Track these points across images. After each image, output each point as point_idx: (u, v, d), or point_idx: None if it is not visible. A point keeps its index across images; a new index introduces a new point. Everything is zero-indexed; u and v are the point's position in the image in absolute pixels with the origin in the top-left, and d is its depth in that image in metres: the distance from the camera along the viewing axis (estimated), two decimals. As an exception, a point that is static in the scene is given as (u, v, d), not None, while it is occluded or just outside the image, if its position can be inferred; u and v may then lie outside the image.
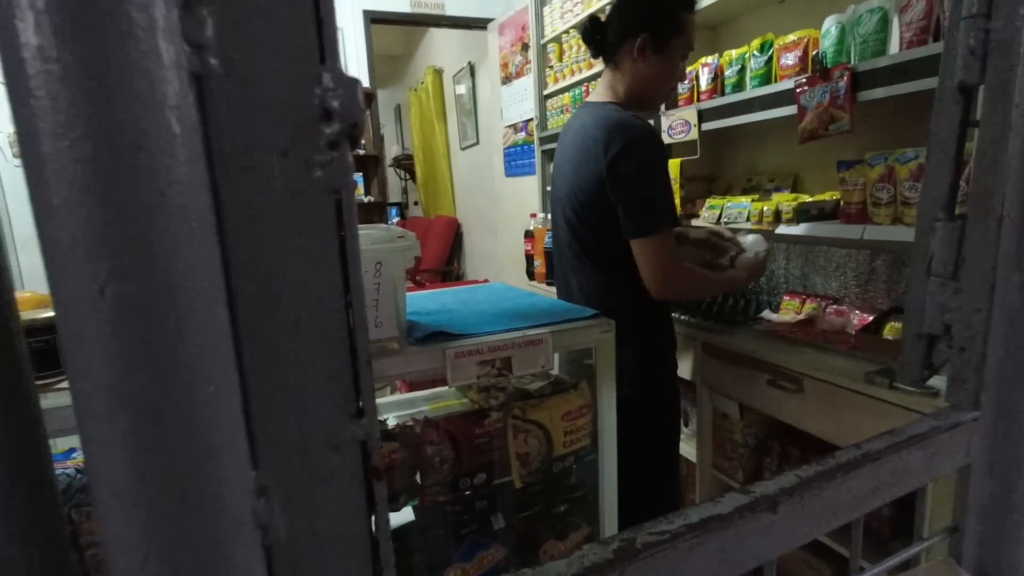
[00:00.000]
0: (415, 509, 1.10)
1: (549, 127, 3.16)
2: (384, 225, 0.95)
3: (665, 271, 1.10)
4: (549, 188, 1.51)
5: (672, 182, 1.22)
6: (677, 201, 1.77)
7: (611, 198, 1.08)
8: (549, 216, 2.99)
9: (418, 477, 0.98)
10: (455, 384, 0.90)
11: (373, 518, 0.18)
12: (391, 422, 1.09)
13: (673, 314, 1.52)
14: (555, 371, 1.22)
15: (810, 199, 1.68)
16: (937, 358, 0.37)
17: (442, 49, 5.01)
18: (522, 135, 3.58)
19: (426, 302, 1.23)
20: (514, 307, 1.20)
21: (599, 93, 1.26)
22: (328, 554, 0.18)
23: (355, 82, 0.16)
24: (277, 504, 0.17)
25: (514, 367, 0.97)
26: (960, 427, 0.35)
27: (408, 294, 1.23)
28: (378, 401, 1.36)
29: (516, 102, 3.62)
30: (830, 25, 1.56)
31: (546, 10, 3.05)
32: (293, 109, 0.16)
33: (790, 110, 1.59)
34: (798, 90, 1.58)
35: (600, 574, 0.23)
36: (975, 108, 0.36)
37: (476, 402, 1.18)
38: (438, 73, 5.07)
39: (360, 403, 0.18)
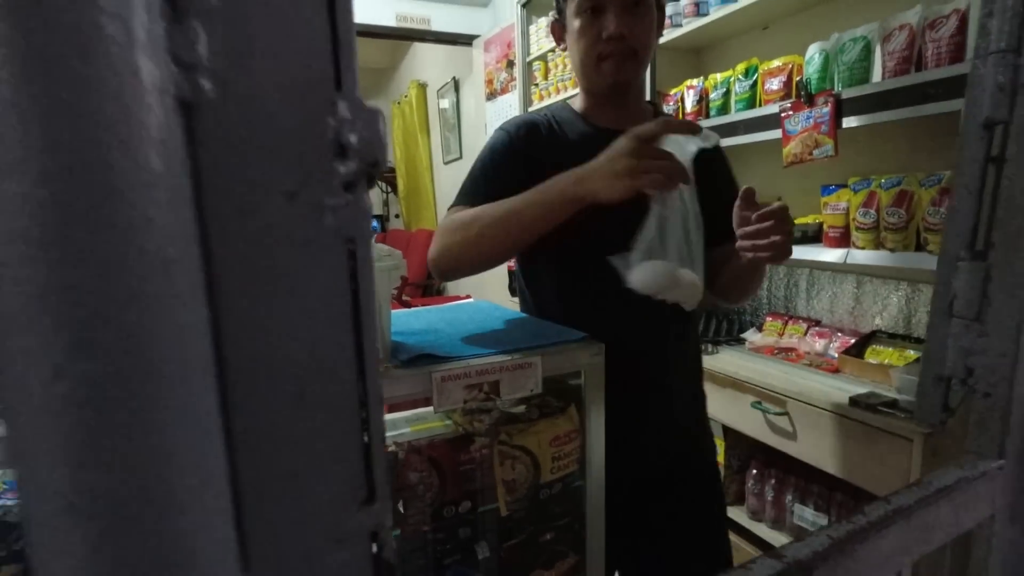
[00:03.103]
0: (396, 538, 1.05)
1: (534, 144, 3.15)
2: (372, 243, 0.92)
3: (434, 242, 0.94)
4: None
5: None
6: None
7: None
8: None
9: (400, 506, 0.94)
10: (441, 409, 0.87)
11: (384, 625, 0.15)
12: (372, 446, 1.05)
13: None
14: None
15: (794, 222, 1.69)
16: (953, 399, 0.36)
17: (427, 63, 5.01)
18: (506, 151, 3.58)
19: (411, 321, 1.19)
20: (501, 328, 1.17)
21: None
22: (329, 670, 0.15)
23: (377, 113, 0.14)
24: (269, 612, 0.14)
25: (502, 391, 0.94)
26: (985, 476, 0.34)
27: (393, 312, 1.20)
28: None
29: (501, 118, 3.62)
30: (814, 52, 1.59)
31: (532, 28, 3.07)
32: (302, 143, 0.13)
33: (774, 134, 1.61)
34: (783, 115, 1.60)
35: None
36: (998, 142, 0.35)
37: (460, 425, 1.15)
38: (422, 87, 5.06)
39: (371, 487, 0.15)
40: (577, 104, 1.02)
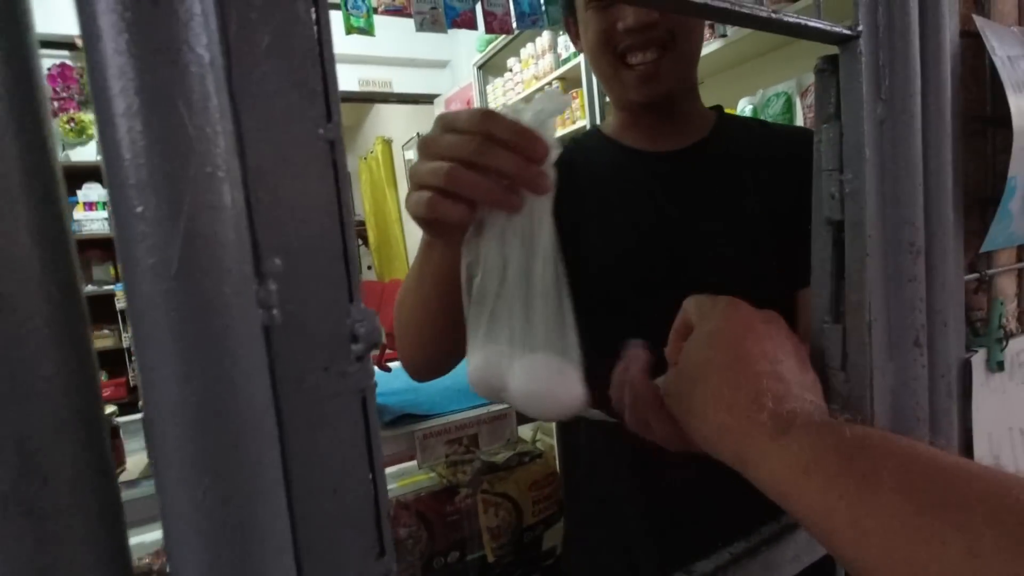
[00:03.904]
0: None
1: (498, 194, 3.28)
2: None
3: None
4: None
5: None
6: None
7: None
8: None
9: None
10: (425, 464, 0.93)
11: (395, 639, 0.23)
12: (361, 505, 1.10)
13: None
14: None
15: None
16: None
17: (390, 121, 5.17)
18: (473, 201, 3.70)
19: (391, 382, 1.26)
20: (477, 380, 1.25)
21: None
22: (361, 672, 0.23)
23: (373, 314, 0.22)
24: (321, 636, 0.22)
25: (481, 442, 1.02)
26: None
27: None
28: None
29: (465, 170, 3.76)
30: (744, 105, 1.76)
31: (489, 88, 3.25)
32: (332, 337, 0.22)
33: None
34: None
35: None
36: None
37: (444, 477, 1.21)
38: (387, 143, 5.21)
39: (382, 545, 0.23)
40: (609, 124, 0.77)
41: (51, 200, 0.19)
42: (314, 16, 0.21)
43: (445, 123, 0.40)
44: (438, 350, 0.61)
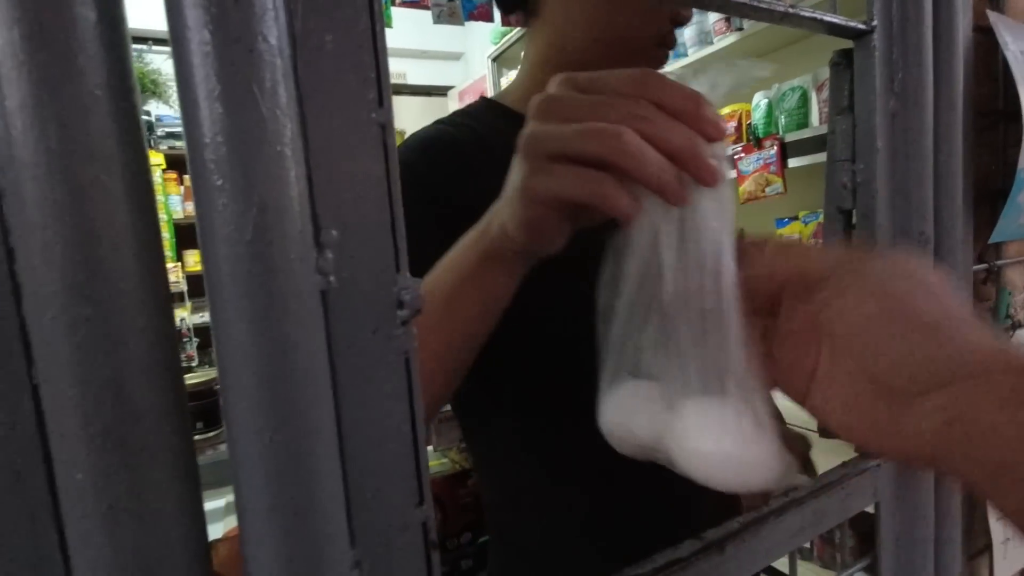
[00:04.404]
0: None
1: (511, 187, 3.30)
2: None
3: None
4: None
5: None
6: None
7: None
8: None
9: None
10: (440, 448, 0.96)
11: (430, 572, 0.26)
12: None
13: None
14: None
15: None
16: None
17: (404, 113, 5.19)
18: (485, 194, 3.73)
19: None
20: (490, 369, 1.27)
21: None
22: (403, 606, 0.25)
23: (418, 282, 0.25)
24: (367, 571, 0.25)
25: (495, 428, 1.05)
26: (866, 472, 0.45)
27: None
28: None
29: (478, 163, 3.78)
30: (759, 100, 1.76)
31: (503, 80, 3.26)
32: (379, 302, 0.24)
33: (730, 174, 1.76)
34: (735, 157, 1.76)
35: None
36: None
37: (457, 462, 1.23)
38: (401, 135, 5.22)
39: (422, 495, 0.26)
40: (515, 97, 0.66)
41: (141, 172, 0.21)
42: (369, 9, 0.24)
43: (583, 82, 0.30)
44: (446, 388, 0.45)
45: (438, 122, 0.67)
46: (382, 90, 0.24)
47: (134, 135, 0.21)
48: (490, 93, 3.40)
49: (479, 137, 0.63)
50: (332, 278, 0.23)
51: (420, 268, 0.38)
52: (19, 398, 0.20)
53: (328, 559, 0.23)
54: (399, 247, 0.25)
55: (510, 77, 3.20)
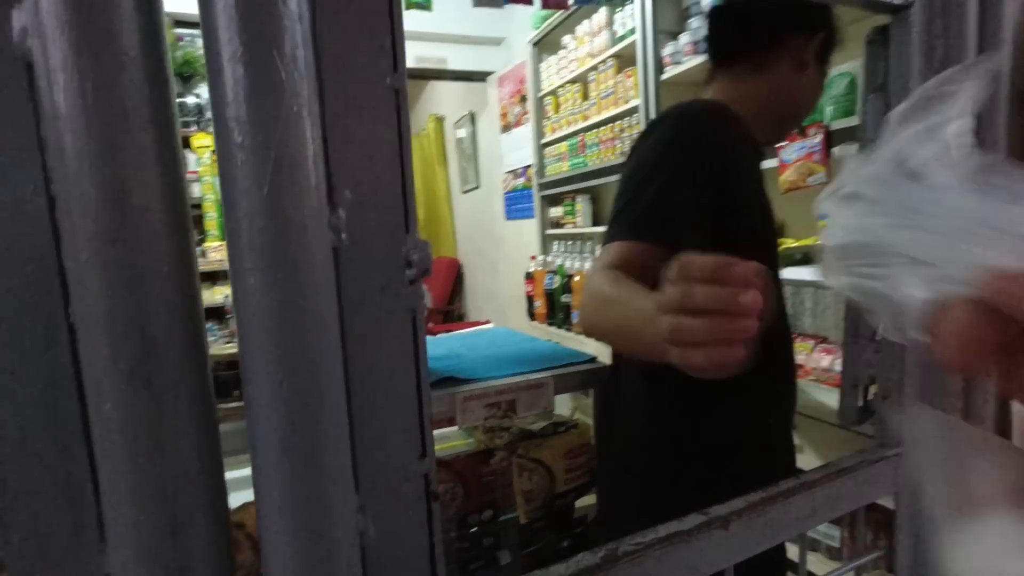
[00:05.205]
0: (425, 546, 1.15)
1: (547, 173, 3.30)
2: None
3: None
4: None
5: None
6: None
7: None
8: (549, 258, 3.10)
9: (429, 514, 1.05)
10: (464, 426, 0.98)
11: (430, 524, 0.27)
12: (403, 462, 1.16)
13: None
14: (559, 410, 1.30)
15: (795, 244, 1.78)
16: (863, 402, 0.46)
17: (444, 98, 5.21)
18: (522, 180, 3.73)
19: (435, 348, 1.32)
20: (517, 352, 1.28)
21: None
22: (402, 551, 0.26)
23: (427, 244, 0.26)
24: (371, 516, 0.26)
25: (518, 409, 1.06)
26: (884, 461, 0.44)
27: (418, 340, 1.32)
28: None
29: (515, 149, 3.78)
30: (805, 87, 1.70)
31: (543, 66, 3.24)
32: (388, 261, 0.25)
33: (772, 163, 1.71)
34: (778, 145, 1.71)
35: (591, 574, 0.32)
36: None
37: (482, 442, 1.25)
38: (439, 120, 5.26)
39: (424, 448, 0.27)
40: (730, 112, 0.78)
41: (169, 129, 0.23)
42: (385, -22, 0.24)
43: (702, 272, 0.37)
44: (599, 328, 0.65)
45: (695, 100, 0.83)
46: (396, 56, 0.25)
47: (164, 95, 0.23)
48: (530, 79, 3.38)
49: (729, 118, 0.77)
50: (344, 236, 0.24)
51: (673, 219, 0.65)
52: (57, 334, 0.22)
53: (334, 501, 0.25)
54: (409, 208, 0.26)
55: (550, 62, 3.18)
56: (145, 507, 0.22)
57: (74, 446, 0.22)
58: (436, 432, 1.50)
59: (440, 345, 1.36)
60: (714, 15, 0.90)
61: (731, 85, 0.83)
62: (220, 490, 0.24)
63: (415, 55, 4.00)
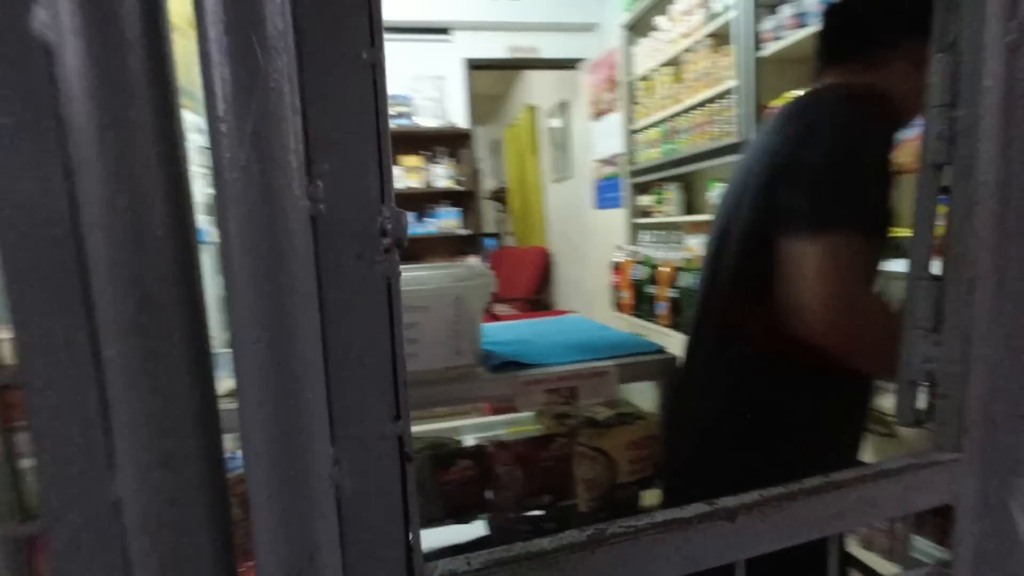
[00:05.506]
0: (490, 526, 1.18)
1: (637, 161, 3.21)
2: (470, 263, 1.07)
3: (834, 289, 0.65)
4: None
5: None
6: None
7: (776, 199, 0.73)
8: (636, 248, 3.03)
9: (493, 496, 1.08)
10: (524, 410, 0.99)
11: (404, 484, 0.28)
12: (470, 442, 1.20)
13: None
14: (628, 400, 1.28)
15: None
16: (921, 402, 0.41)
17: (537, 88, 5.22)
18: (611, 168, 3.66)
19: (504, 333, 1.34)
20: (586, 339, 1.27)
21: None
22: (376, 504, 0.28)
23: (402, 213, 0.27)
24: (346, 471, 0.27)
25: (580, 396, 1.05)
26: (938, 466, 0.39)
27: (487, 325, 1.35)
28: (459, 423, 1.48)
29: (606, 137, 3.71)
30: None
31: (635, 50, 3.14)
32: (365, 230, 0.27)
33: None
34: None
35: (574, 552, 0.31)
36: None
37: (549, 428, 1.26)
38: (532, 110, 5.28)
39: (399, 411, 0.28)
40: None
41: (168, 107, 0.25)
42: (361, -45, 0.25)
43: None
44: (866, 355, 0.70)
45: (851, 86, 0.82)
46: (373, 30, 0.26)
47: (164, 75, 0.25)
48: (621, 65, 3.30)
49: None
50: (322, 205, 0.26)
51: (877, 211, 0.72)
52: (74, 288, 0.25)
53: (311, 453, 0.27)
54: (385, 179, 0.27)
55: (642, 44, 3.08)
56: (142, 441, 0.25)
57: (88, 387, 0.25)
58: (506, 417, 1.53)
59: (509, 331, 1.38)
60: (831, 12, 0.88)
61: (843, 81, 0.82)
62: (213, 429, 0.27)
63: (507, 45, 4.04)
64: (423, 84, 3.88)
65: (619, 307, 3.13)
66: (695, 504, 0.35)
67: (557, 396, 1.04)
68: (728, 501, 0.35)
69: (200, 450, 0.26)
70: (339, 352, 0.27)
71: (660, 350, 1.11)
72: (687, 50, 2.58)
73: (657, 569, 0.33)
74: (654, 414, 1.17)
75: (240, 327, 0.25)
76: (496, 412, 1.71)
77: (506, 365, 1.05)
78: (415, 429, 1.22)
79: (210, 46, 0.24)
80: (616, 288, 3.15)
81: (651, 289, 2.73)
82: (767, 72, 2.03)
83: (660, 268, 2.64)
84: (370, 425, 0.28)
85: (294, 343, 0.26)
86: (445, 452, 1.06)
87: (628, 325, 2.80)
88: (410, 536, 0.29)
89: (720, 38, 2.33)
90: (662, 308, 2.62)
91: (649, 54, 3.03)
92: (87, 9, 0.23)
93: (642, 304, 2.83)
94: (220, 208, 0.25)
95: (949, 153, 0.39)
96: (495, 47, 3.99)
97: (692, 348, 0.99)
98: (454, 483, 1.04)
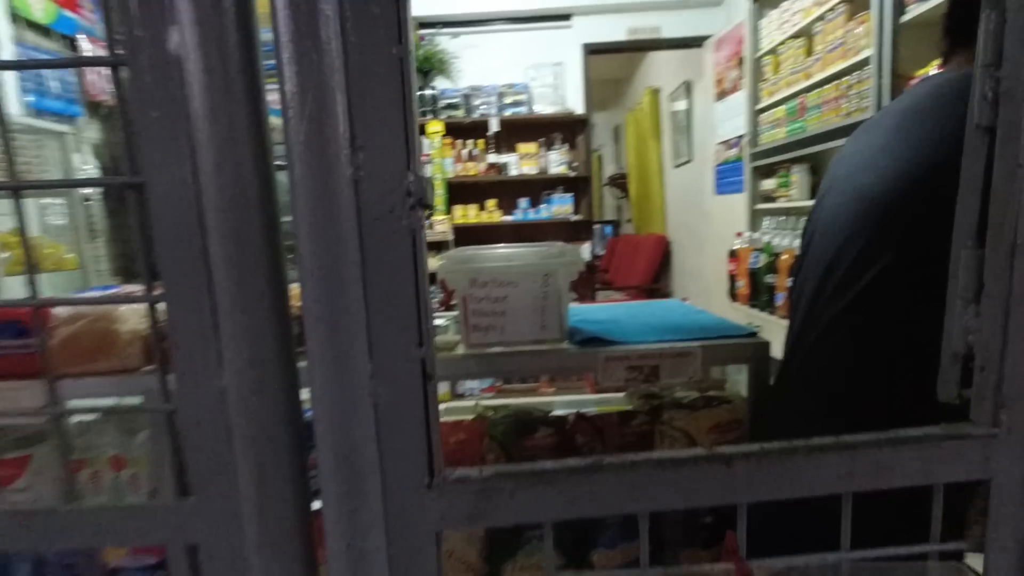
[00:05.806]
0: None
1: (761, 142, 3.03)
2: (556, 244, 1.12)
3: None
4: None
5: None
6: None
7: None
8: (756, 235, 2.87)
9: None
10: (604, 383, 1.03)
11: (426, 398, 0.35)
12: (558, 414, 1.26)
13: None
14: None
15: None
16: (963, 375, 0.40)
17: (660, 69, 5.06)
18: (734, 151, 3.48)
19: (597, 313, 1.37)
20: (679, 321, 1.27)
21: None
22: (404, 413, 0.35)
23: (427, 179, 0.33)
24: (380, 383, 0.35)
25: (661, 375, 1.06)
26: (969, 440, 0.38)
27: (581, 305, 1.39)
28: (556, 398, 1.54)
29: (729, 118, 3.53)
30: None
31: (763, 23, 2.95)
32: (393, 191, 0.34)
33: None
34: None
35: (573, 474, 0.36)
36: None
37: (638, 407, 1.28)
38: (655, 93, 5.13)
39: (421, 339, 0.35)
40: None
41: (257, 100, 0.34)
42: (393, -29, 0.32)
43: None
44: None
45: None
46: (401, 29, 0.33)
47: (254, 77, 0.34)
48: (747, 39, 3.12)
49: None
50: (362, 171, 0.33)
51: None
52: (196, 241, 0.35)
53: (354, 363, 0.34)
54: (411, 150, 0.33)
55: (771, 18, 2.88)
56: (237, 348, 0.34)
57: (205, 308, 0.35)
58: (601, 396, 1.56)
59: (603, 311, 1.41)
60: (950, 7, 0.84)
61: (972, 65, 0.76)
62: (288, 343, 0.35)
63: (627, 27, 3.97)
64: (541, 72, 3.95)
65: (734, 297, 3.00)
66: (694, 450, 0.38)
67: (638, 374, 1.06)
68: (726, 449, 0.38)
69: (278, 356, 0.35)
70: (375, 288, 0.34)
71: (752, 334, 1.08)
72: (819, 18, 2.39)
73: (653, 495, 0.37)
74: (741, 398, 1.15)
75: (305, 259, 0.34)
76: (599, 391, 1.75)
77: (590, 341, 1.09)
78: (511, 401, 1.30)
79: (282, 53, 0.32)
80: (732, 277, 3.01)
81: (770, 279, 2.58)
82: (909, 39, 1.83)
83: (781, 256, 2.49)
84: (399, 348, 0.35)
85: (341, 277, 0.34)
86: (528, 419, 1.13)
87: (744, 316, 2.68)
88: (432, 441, 0.36)
89: (857, 3, 2.13)
90: (780, 299, 2.47)
91: (778, 26, 2.84)
92: (202, 30, 0.32)
93: (759, 294, 2.69)
94: (291, 170, 0.33)
95: (993, 115, 0.38)
96: (615, 30, 3.94)
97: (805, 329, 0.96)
98: (536, 448, 1.10)
